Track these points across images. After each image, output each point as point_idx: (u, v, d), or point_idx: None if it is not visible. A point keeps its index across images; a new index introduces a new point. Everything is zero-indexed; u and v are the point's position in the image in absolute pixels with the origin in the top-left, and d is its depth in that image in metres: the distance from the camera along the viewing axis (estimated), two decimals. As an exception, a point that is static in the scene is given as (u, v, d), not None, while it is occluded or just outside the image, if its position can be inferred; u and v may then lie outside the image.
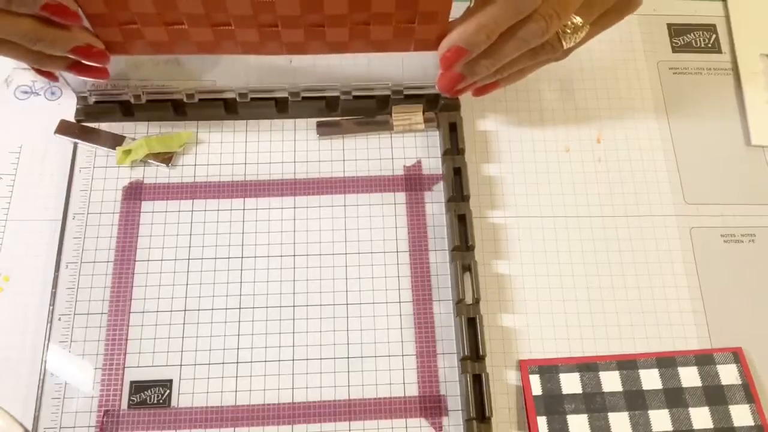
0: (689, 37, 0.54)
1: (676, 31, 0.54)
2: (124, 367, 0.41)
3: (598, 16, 0.41)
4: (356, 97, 0.48)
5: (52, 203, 0.46)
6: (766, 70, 0.52)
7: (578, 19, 0.40)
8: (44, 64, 0.40)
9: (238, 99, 0.47)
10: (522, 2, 0.36)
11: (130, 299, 0.43)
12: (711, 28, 0.54)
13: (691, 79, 0.52)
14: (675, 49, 0.53)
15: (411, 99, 0.48)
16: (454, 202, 0.45)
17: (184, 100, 0.47)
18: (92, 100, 0.47)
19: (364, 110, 0.49)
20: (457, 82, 0.41)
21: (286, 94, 0.47)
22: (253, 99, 0.48)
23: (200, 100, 0.47)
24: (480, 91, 0.44)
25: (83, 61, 0.40)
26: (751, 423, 0.41)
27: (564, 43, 0.40)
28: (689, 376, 0.42)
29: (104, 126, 0.48)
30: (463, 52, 0.39)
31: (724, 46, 0.54)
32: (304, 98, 0.47)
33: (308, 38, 0.39)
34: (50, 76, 0.43)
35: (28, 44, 0.38)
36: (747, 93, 0.51)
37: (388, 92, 0.48)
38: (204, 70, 0.46)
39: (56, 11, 0.36)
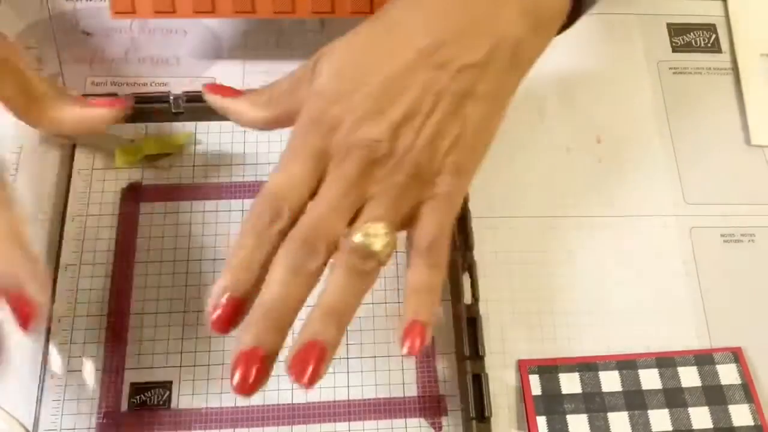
0: (689, 37, 0.54)
1: (676, 30, 0.54)
2: (123, 369, 0.41)
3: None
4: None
5: (52, 204, 0.46)
6: (766, 70, 0.52)
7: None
8: None
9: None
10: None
11: (130, 301, 0.43)
12: (711, 28, 0.54)
13: (691, 79, 0.52)
14: (675, 49, 0.53)
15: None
16: (453, 202, 0.45)
17: (181, 104, 0.47)
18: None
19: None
20: None
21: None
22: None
23: (199, 100, 0.47)
24: None
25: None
26: (751, 423, 0.41)
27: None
28: (689, 376, 0.42)
29: (103, 127, 0.48)
30: None
31: (724, 46, 0.53)
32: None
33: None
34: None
35: None
36: (747, 93, 0.51)
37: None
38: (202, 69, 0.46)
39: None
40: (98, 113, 0.41)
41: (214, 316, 0.32)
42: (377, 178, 0.34)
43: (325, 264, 0.34)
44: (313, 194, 0.35)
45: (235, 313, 0.33)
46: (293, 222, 0.34)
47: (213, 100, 0.40)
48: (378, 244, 0.34)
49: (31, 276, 0.33)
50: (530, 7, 0.37)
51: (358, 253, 0.33)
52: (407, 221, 0.36)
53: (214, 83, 0.41)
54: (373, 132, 0.34)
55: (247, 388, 0.32)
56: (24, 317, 0.33)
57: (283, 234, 0.34)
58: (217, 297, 0.33)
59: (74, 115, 0.40)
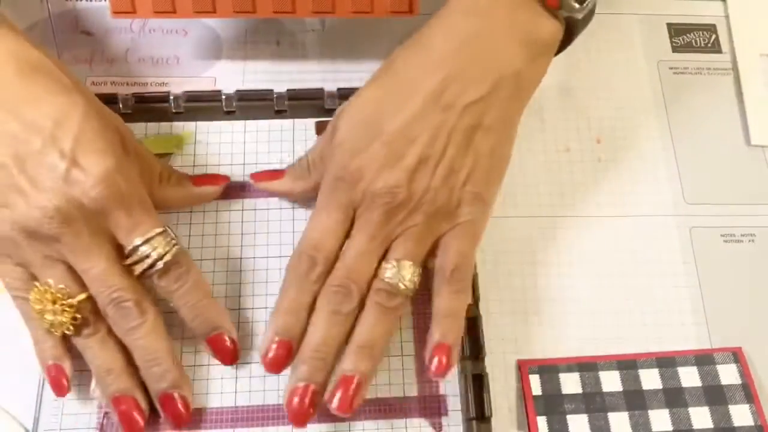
0: (689, 37, 0.54)
1: (676, 30, 0.54)
2: (123, 368, 0.41)
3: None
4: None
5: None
6: (766, 70, 0.52)
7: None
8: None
9: (234, 102, 0.48)
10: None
11: (130, 300, 0.43)
12: (711, 28, 0.54)
13: (691, 79, 0.52)
14: (675, 49, 0.53)
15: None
16: (453, 202, 0.45)
17: (181, 103, 0.47)
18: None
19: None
20: None
21: (284, 105, 0.48)
22: (251, 99, 0.48)
23: (198, 100, 0.47)
24: None
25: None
26: (751, 423, 0.41)
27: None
28: (689, 376, 0.42)
29: (103, 127, 0.48)
30: None
31: (724, 46, 0.54)
32: (302, 98, 0.48)
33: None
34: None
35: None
36: (747, 93, 0.51)
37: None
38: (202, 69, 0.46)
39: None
40: (206, 191, 0.44)
41: (268, 358, 0.38)
42: (400, 220, 0.38)
43: (359, 304, 0.38)
44: (344, 239, 0.39)
45: (286, 354, 0.38)
46: (328, 268, 0.38)
47: (261, 186, 0.44)
48: (403, 281, 0.38)
49: (230, 325, 0.40)
50: (527, 39, 0.39)
51: (385, 292, 0.38)
52: (432, 252, 0.39)
53: (259, 171, 0.45)
54: (392, 180, 0.37)
55: (301, 420, 0.37)
56: (230, 356, 0.40)
57: (321, 279, 0.38)
58: (269, 341, 0.38)
59: (186, 194, 0.44)
